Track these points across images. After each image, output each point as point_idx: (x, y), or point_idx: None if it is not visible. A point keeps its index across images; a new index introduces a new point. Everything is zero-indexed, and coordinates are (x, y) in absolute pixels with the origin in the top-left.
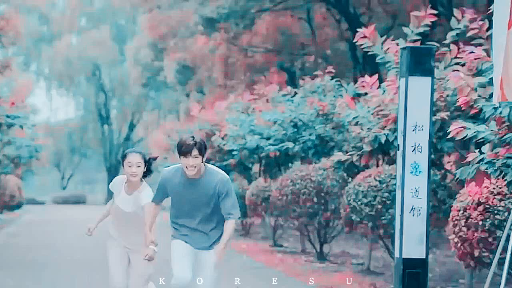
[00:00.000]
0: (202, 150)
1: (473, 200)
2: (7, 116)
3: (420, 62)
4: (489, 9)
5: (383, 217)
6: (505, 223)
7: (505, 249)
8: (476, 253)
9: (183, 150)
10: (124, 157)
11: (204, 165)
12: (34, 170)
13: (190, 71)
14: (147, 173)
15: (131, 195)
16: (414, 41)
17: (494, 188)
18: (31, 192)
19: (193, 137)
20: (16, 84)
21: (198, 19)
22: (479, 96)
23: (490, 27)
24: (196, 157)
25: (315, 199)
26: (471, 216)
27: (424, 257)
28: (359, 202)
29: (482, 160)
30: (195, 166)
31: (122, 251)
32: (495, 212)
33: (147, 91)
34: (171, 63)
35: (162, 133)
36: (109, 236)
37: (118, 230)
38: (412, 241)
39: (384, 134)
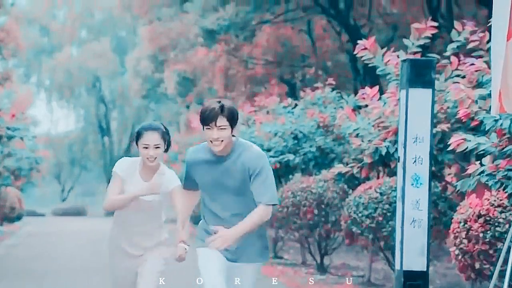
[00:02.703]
0: (231, 118)
1: (474, 212)
2: (8, 128)
3: (420, 74)
4: (490, 21)
5: (384, 229)
6: (505, 235)
7: (505, 261)
8: (477, 265)
9: (206, 117)
10: (138, 136)
11: (235, 138)
12: (34, 182)
13: (190, 83)
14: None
15: (150, 181)
16: (415, 53)
17: (494, 200)
18: (31, 204)
19: (219, 101)
20: (16, 95)
21: (198, 31)
22: (479, 108)
23: (490, 39)
24: (222, 128)
25: (315, 211)
26: (472, 228)
27: (425, 269)
28: (359, 214)
29: (482, 172)
30: (222, 140)
31: (129, 265)
32: (496, 224)
33: (148, 102)
34: (172, 75)
35: None
36: (113, 247)
37: (129, 230)
38: (412, 253)
39: (385, 146)
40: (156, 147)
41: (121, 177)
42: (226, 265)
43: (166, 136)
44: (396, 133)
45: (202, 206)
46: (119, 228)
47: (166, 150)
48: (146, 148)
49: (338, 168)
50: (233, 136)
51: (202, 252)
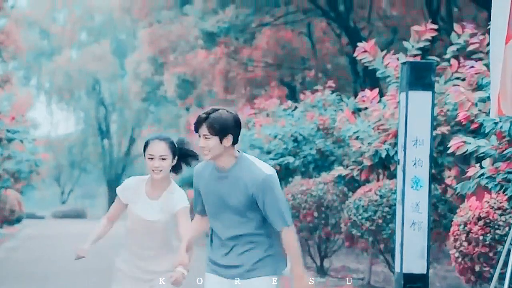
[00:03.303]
0: (215, 128)
1: (474, 215)
2: (8, 131)
3: (420, 76)
4: (489, 24)
5: (384, 232)
6: (505, 238)
7: (505, 264)
8: (477, 268)
9: (194, 124)
10: (145, 146)
11: (239, 154)
12: (34, 184)
13: (190, 86)
14: (177, 168)
15: (157, 200)
16: (415, 55)
17: (494, 203)
18: (31, 207)
19: (214, 109)
20: (16, 98)
21: (198, 34)
22: (479, 111)
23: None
24: (206, 137)
25: (315, 214)
26: (472, 231)
27: (425, 272)
28: (359, 217)
29: (482, 175)
30: (209, 150)
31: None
32: (496, 227)
33: (147, 105)
34: (171, 78)
35: None
36: (117, 270)
37: (135, 253)
38: (412, 255)
39: (385, 148)
40: (162, 159)
41: (121, 198)
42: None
43: (174, 149)
44: (396, 135)
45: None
46: (127, 252)
47: (176, 171)
48: (152, 159)
49: (338, 170)
50: (233, 149)
51: (207, 279)
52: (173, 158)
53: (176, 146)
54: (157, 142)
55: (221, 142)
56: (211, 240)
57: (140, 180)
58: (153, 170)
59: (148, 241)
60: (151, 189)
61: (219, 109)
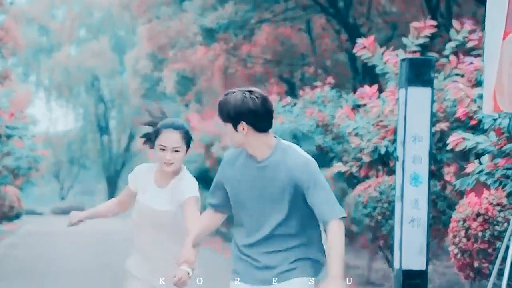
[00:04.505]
0: (222, 114)
1: (473, 211)
2: (7, 127)
3: (419, 73)
4: None
5: (383, 228)
6: (504, 234)
7: (504, 260)
8: (476, 264)
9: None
10: (156, 134)
11: (276, 142)
12: (34, 180)
13: (189, 82)
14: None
15: (165, 188)
16: (414, 52)
17: (493, 199)
18: (30, 203)
19: (225, 93)
20: (15, 94)
21: (197, 30)
22: (478, 107)
23: None
24: (224, 123)
25: None
26: (471, 227)
27: (424, 268)
28: (359, 213)
29: (481, 171)
30: (231, 138)
31: None
32: (495, 223)
33: (147, 101)
34: (171, 74)
35: None
36: (127, 274)
37: (144, 249)
38: (411, 252)
39: (384, 145)
40: (175, 151)
41: (130, 185)
42: None
43: (189, 139)
44: (395, 132)
45: (234, 228)
46: (137, 254)
47: None
48: (163, 150)
49: (337, 167)
50: (266, 137)
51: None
52: (187, 150)
53: (189, 135)
54: (171, 132)
55: (235, 129)
56: (237, 242)
57: (150, 168)
58: (164, 163)
59: (157, 235)
60: (159, 177)
61: (234, 92)
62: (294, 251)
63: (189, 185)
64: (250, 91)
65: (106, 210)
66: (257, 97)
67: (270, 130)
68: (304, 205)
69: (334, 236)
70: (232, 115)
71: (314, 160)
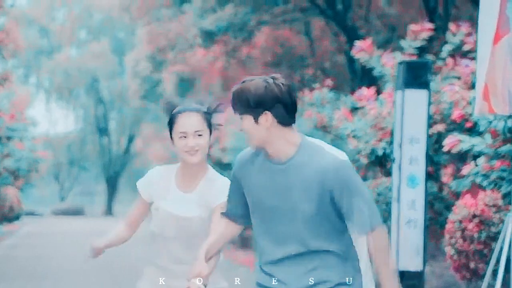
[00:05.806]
0: (238, 104)
1: (469, 212)
2: (7, 129)
3: (416, 75)
4: None
5: None
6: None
7: (498, 261)
8: (472, 265)
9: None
10: (171, 124)
11: (301, 139)
12: (33, 182)
13: (189, 84)
14: None
15: (191, 192)
16: (411, 54)
17: (489, 200)
18: (30, 204)
19: (241, 81)
20: (15, 96)
21: (197, 32)
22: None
23: None
24: (240, 117)
25: None
26: (467, 228)
27: (421, 269)
28: None
29: (477, 172)
30: (248, 134)
31: None
32: (491, 224)
33: (146, 103)
34: (170, 76)
35: (161, 145)
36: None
37: (165, 267)
38: (408, 253)
39: (382, 147)
40: (198, 135)
41: (143, 196)
42: None
43: (211, 121)
44: (392, 133)
45: (255, 239)
46: (154, 274)
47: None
48: (184, 137)
49: None
50: (289, 132)
51: None
52: (211, 134)
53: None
54: (189, 115)
55: (256, 122)
56: (259, 258)
57: (167, 170)
58: (187, 152)
59: (182, 246)
60: (182, 180)
61: (252, 79)
62: (323, 271)
63: (223, 188)
64: (272, 77)
65: (117, 238)
66: (282, 83)
67: (293, 126)
68: (335, 216)
69: (377, 248)
70: (253, 104)
71: (348, 160)
